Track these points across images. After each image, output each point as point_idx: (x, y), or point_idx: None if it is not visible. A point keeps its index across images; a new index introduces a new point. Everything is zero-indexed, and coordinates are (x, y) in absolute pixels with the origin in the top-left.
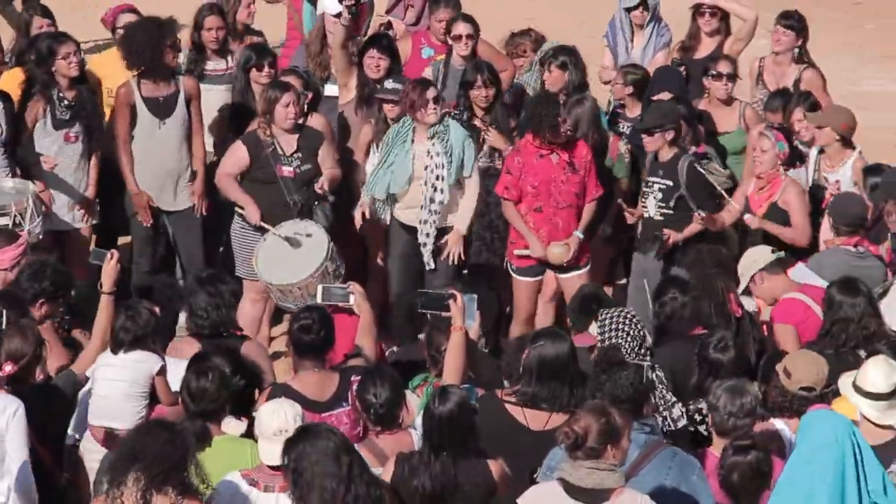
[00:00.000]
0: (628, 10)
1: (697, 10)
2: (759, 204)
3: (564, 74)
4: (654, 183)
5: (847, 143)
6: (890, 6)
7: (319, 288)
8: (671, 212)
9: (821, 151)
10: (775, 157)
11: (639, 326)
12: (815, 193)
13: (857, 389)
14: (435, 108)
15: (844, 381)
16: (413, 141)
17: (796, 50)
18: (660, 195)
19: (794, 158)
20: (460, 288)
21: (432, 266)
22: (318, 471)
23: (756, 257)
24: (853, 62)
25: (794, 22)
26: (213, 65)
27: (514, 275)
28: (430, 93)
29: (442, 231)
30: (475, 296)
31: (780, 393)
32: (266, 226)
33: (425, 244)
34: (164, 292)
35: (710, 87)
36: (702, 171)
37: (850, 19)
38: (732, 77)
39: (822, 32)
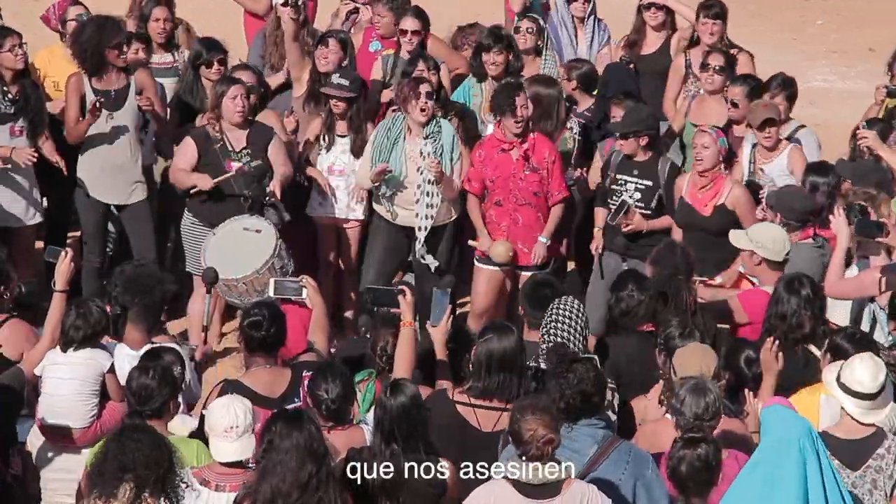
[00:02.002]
0: (569, 1)
1: (644, 4)
2: (704, 203)
3: (509, 55)
4: (626, 181)
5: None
6: (838, 2)
7: (272, 282)
8: (649, 212)
9: (754, 144)
10: (717, 154)
11: (583, 318)
12: (751, 186)
13: (843, 387)
14: (426, 104)
15: (828, 378)
16: (405, 139)
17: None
18: (638, 195)
19: (731, 156)
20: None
21: (435, 264)
22: (285, 460)
23: (771, 245)
24: (802, 58)
25: (718, 10)
26: (159, 58)
27: (476, 263)
28: (424, 87)
29: (434, 230)
30: (448, 290)
31: (668, 388)
32: (223, 177)
33: (421, 244)
34: (149, 279)
35: (701, 78)
36: None
37: (799, 15)
38: (723, 70)
39: (771, 28)
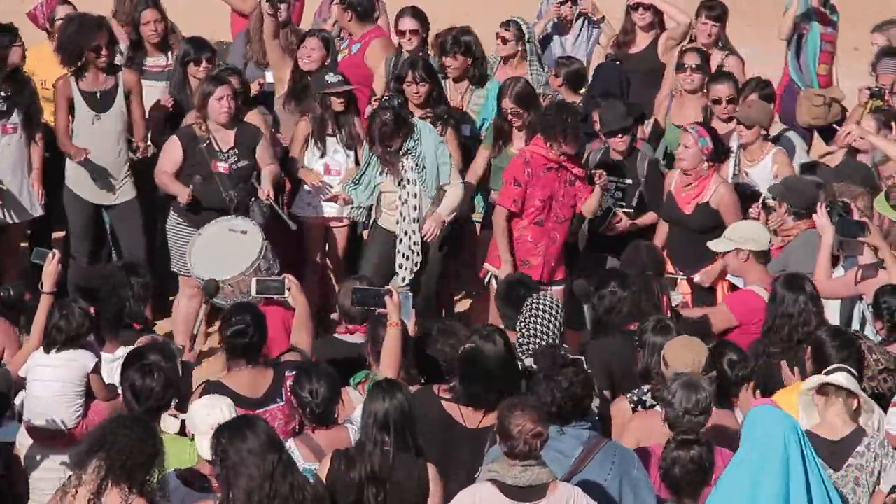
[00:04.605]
0: (559, 4)
1: (632, 5)
2: (687, 202)
3: (467, 59)
4: (609, 181)
5: (766, 137)
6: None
7: (254, 281)
8: (631, 210)
9: (740, 146)
10: (699, 153)
11: (561, 314)
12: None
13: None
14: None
15: (807, 385)
16: None
17: (721, 38)
18: (619, 194)
19: (720, 153)
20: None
21: (406, 280)
22: (246, 460)
23: (755, 237)
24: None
25: (719, 12)
26: (153, 60)
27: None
28: (382, 148)
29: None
30: (410, 293)
31: (660, 381)
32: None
33: (404, 256)
34: (105, 282)
35: (678, 79)
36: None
37: None
38: (700, 68)
39: (757, 26)
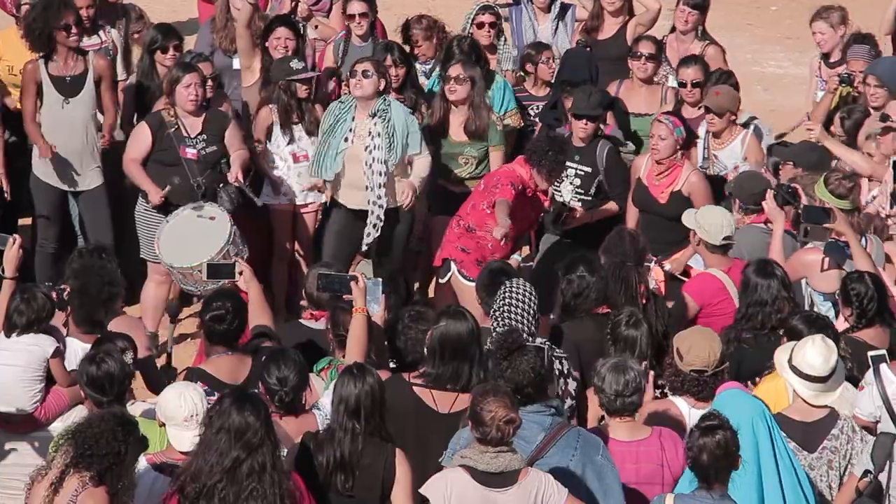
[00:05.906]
0: None
1: None
2: (661, 190)
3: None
4: (567, 167)
5: (735, 122)
6: None
7: (204, 265)
8: (589, 198)
9: (707, 132)
10: (674, 144)
11: (535, 300)
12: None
13: (795, 370)
14: (360, 81)
15: (780, 359)
16: (354, 118)
17: (699, 27)
18: (577, 181)
19: (690, 141)
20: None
21: (364, 249)
22: (214, 442)
23: (709, 227)
24: (757, 43)
25: (698, 1)
26: (88, 41)
27: (462, 281)
28: (361, 66)
29: (387, 213)
30: (380, 280)
31: (674, 373)
32: (166, 191)
33: (374, 225)
34: (100, 274)
35: (632, 67)
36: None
37: (755, 0)
38: (653, 57)
39: (726, 13)
